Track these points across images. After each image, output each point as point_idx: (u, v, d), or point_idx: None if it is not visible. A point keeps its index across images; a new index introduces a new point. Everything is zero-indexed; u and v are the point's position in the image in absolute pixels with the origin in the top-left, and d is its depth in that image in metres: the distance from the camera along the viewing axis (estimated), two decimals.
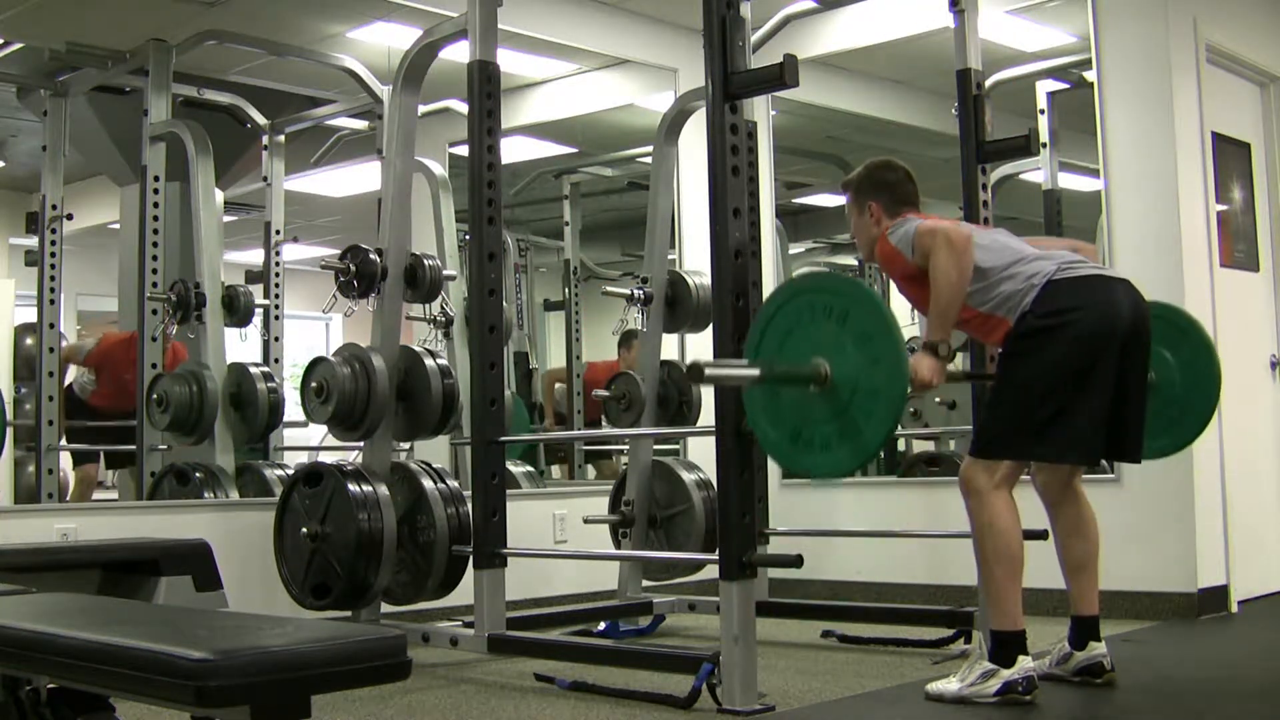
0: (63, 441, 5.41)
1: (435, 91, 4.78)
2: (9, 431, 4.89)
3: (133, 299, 5.34)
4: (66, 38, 5.32)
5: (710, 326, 3.66)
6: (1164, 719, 3.24)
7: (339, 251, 4.33)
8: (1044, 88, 5.56)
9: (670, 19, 6.04)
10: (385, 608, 4.35)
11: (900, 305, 4.07)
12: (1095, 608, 3.50)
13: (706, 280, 4.30)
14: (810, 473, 3.07)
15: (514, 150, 6.45)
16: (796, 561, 3.28)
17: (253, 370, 5.16)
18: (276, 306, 5.87)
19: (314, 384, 4.22)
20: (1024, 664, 3.24)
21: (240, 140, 6.03)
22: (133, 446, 5.21)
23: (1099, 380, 3.25)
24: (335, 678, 1.87)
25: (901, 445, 6.54)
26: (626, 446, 5.32)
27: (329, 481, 4.12)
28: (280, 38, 5.75)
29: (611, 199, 7.40)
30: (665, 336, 4.90)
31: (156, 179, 5.19)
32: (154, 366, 5.12)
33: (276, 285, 5.91)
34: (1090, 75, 5.11)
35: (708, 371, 3.02)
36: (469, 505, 4.13)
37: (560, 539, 5.43)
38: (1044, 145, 5.48)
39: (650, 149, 4.97)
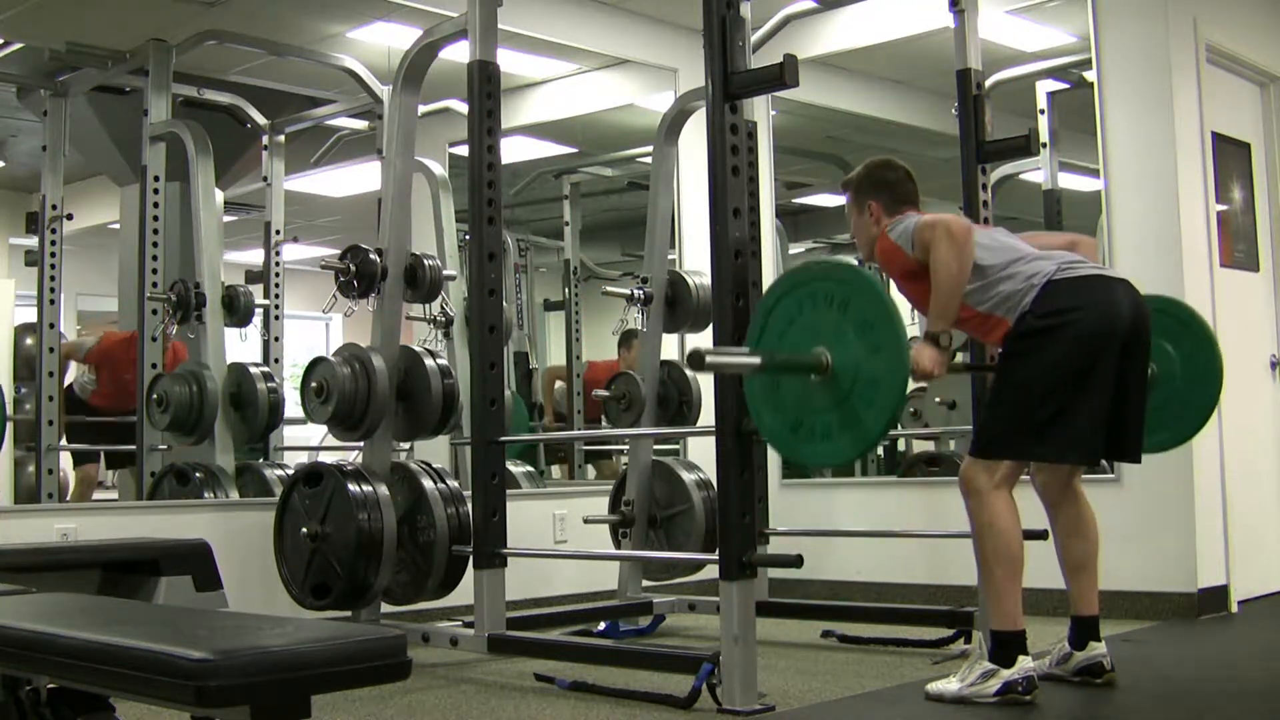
0: (63, 441, 5.41)
1: (435, 91, 4.78)
2: (9, 431, 4.91)
3: (133, 299, 5.34)
4: (66, 38, 5.32)
5: (710, 326, 3.66)
6: (1164, 719, 3.24)
7: (339, 251, 4.33)
8: (1044, 88, 5.55)
9: (670, 19, 6.04)
10: (385, 608, 4.35)
11: (900, 305, 4.06)
12: (1095, 608, 3.50)
13: (706, 280, 4.30)
14: (810, 461, 3.08)
15: (514, 150, 6.45)
16: (796, 561, 3.28)
17: (253, 370, 5.16)
18: (276, 306, 5.87)
19: (314, 384, 4.22)
20: (1024, 664, 3.24)
21: (240, 140, 6.03)
22: (133, 446, 5.21)
23: (1099, 380, 3.24)
24: (335, 678, 1.87)
25: (901, 445, 6.55)
26: (626, 446, 5.32)
27: (329, 481, 4.12)
28: (280, 38, 5.75)
29: (611, 199, 7.40)
30: (665, 336, 4.90)
31: (156, 179, 5.20)
32: (154, 366, 5.12)
33: (276, 285, 5.91)
34: (1090, 75, 5.11)
35: (709, 359, 3.01)
36: (469, 505, 4.13)
37: (560, 539, 5.43)
38: (1044, 145, 5.48)
39: (650, 149, 4.98)
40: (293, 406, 5.04)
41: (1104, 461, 4.51)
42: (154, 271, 5.15)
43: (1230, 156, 5.43)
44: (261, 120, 5.97)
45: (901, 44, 5.75)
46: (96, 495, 5.84)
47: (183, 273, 5.21)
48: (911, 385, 5.81)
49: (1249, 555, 5.05)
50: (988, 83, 4.22)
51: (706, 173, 3.37)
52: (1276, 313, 5.62)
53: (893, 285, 3.69)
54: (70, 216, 5.35)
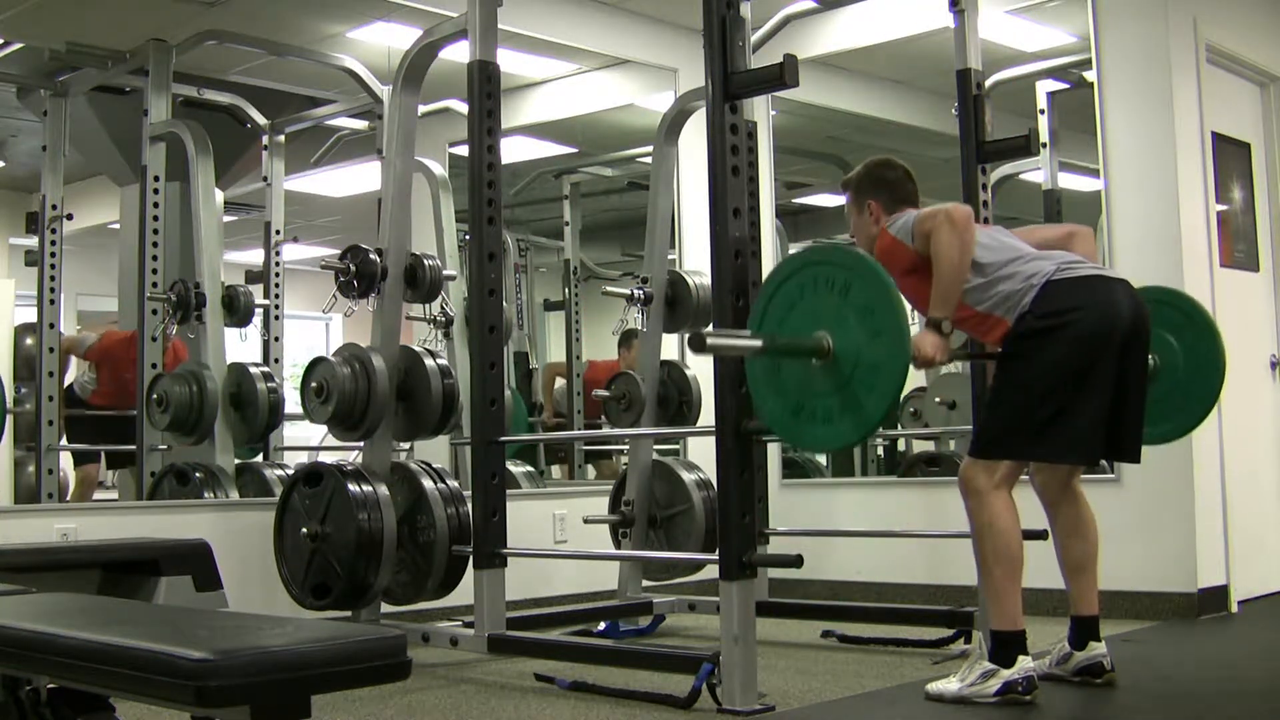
0: (63, 441, 5.41)
1: (435, 91, 4.78)
2: (9, 431, 4.91)
3: (133, 299, 5.34)
4: (66, 38, 5.31)
5: (710, 326, 3.66)
6: (1164, 719, 3.24)
7: (339, 251, 4.33)
8: (1044, 88, 5.55)
9: (670, 19, 6.04)
10: (385, 608, 4.35)
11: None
12: (1095, 608, 3.50)
13: (706, 280, 4.30)
14: (811, 445, 3.07)
15: (514, 150, 6.45)
16: (796, 561, 3.28)
17: (253, 370, 5.16)
18: (276, 306, 5.87)
19: (314, 384, 4.22)
20: (1024, 664, 3.24)
21: (240, 140, 6.03)
22: (133, 446, 5.21)
23: (1098, 381, 3.25)
24: (335, 678, 1.87)
25: (901, 445, 6.55)
26: (626, 446, 5.32)
27: (329, 481, 4.12)
28: (280, 38, 5.75)
29: (611, 199, 7.40)
30: (665, 336, 4.90)
31: (156, 179, 5.19)
32: (154, 366, 5.11)
33: (276, 285, 5.91)
34: (1090, 75, 5.11)
35: (710, 341, 3.00)
36: (469, 505, 4.13)
37: (560, 539, 5.43)
38: (1044, 145, 5.48)
39: (650, 149, 4.98)
40: (293, 406, 5.04)
41: (1104, 461, 4.51)
42: (154, 271, 5.15)
43: (1230, 156, 5.43)
44: (261, 120, 5.97)
45: (901, 44, 5.75)
46: (96, 495, 5.83)
47: (183, 273, 5.21)
48: (915, 378, 5.87)
49: (1249, 555, 5.05)
50: (988, 83, 4.22)
51: (706, 173, 3.37)
52: (1276, 313, 5.62)
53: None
54: (70, 216, 5.34)
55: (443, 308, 5.05)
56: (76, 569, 3.91)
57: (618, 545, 4.89)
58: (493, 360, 4.05)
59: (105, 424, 5.75)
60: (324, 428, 4.47)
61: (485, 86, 4.05)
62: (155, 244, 5.16)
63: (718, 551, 3.33)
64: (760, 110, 5.88)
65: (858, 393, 2.93)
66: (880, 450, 6.69)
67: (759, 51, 4.71)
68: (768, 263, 5.66)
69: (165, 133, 5.22)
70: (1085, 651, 3.48)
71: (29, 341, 5.41)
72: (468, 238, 4.26)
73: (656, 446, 5.08)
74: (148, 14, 5.39)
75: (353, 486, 4.06)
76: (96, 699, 2.29)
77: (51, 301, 5.27)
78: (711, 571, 3.74)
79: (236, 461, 5.20)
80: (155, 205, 5.17)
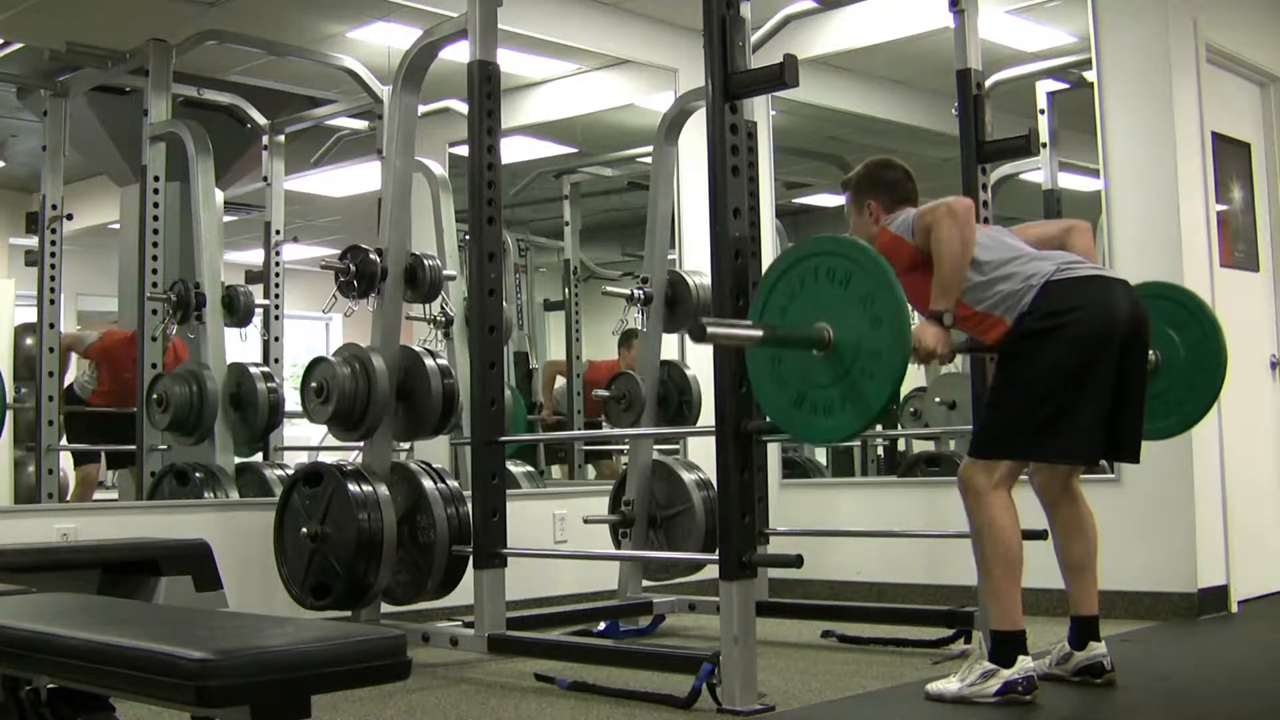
0: (63, 441, 5.41)
1: (435, 91, 4.78)
2: (9, 432, 4.91)
3: (133, 299, 5.34)
4: (66, 38, 5.31)
5: None
6: (1164, 719, 3.24)
7: (339, 251, 4.34)
8: (1044, 88, 5.55)
9: (670, 19, 6.04)
10: (385, 608, 4.35)
11: None
12: (1095, 608, 3.50)
13: (706, 280, 4.30)
14: (813, 437, 3.05)
15: (514, 150, 6.44)
16: (796, 561, 3.28)
17: (253, 370, 5.16)
18: (276, 306, 5.87)
19: (314, 384, 4.23)
20: (1024, 664, 3.24)
21: (240, 140, 6.03)
22: (133, 446, 5.21)
23: (1098, 381, 3.25)
24: (335, 678, 1.87)
25: (901, 445, 6.55)
26: (626, 446, 5.32)
27: (329, 481, 4.12)
28: (280, 38, 5.75)
29: (611, 199, 7.40)
30: (665, 336, 4.90)
31: (156, 179, 5.19)
32: (154, 366, 5.11)
33: (276, 285, 5.91)
34: (1090, 75, 5.11)
35: (710, 330, 2.99)
36: (469, 505, 4.14)
37: (560, 539, 5.43)
38: (1044, 145, 5.48)
39: (650, 149, 4.98)
40: (293, 406, 5.04)
41: (1104, 461, 4.52)
42: (154, 271, 5.15)
43: (1230, 156, 5.43)
44: (261, 120, 5.97)
45: (901, 44, 5.75)
46: (96, 495, 5.84)
47: (183, 273, 5.21)
48: (916, 378, 5.86)
49: (1249, 555, 5.05)
50: (988, 83, 4.22)
51: (706, 173, 3.37)
52: (1276, 313, 5.62)
53: None
54: (70, 216, 5.35)
55: (443, 308, 5.05)
56: (76, 569, 3.91)
57: (618, 545, 4.89)
58: (493, 360, 4.05)
59: (105, 424, 5.75)
60: (324, 428, 4.47)
61: (485, 86, 4.05)
62: (155, 244, 5.16)
63: (718, 551, 3.33)
64: (760, 110, 5.88)
65: (859, 382, 2.92)
66: (880, 450, 6.69)
67: (759, 51, 4.70)
68: (767, 263, 5.67)
69: (165, 133, 5.22)
70: (1085, 651, 3.48)
71: (29, 341, 5.42)
72: (468, 238, 4.26)
73: (656, 446, 5.08)
74: (148, 14, 5.39)
75: (353, 486, 4.06)
76: (96, 699, 2.29)
77: (51, 301, 5.27)
78: (711, 571, 3.74)
79: (237, 461, 5.20)
80: (155, 205, 5.17)
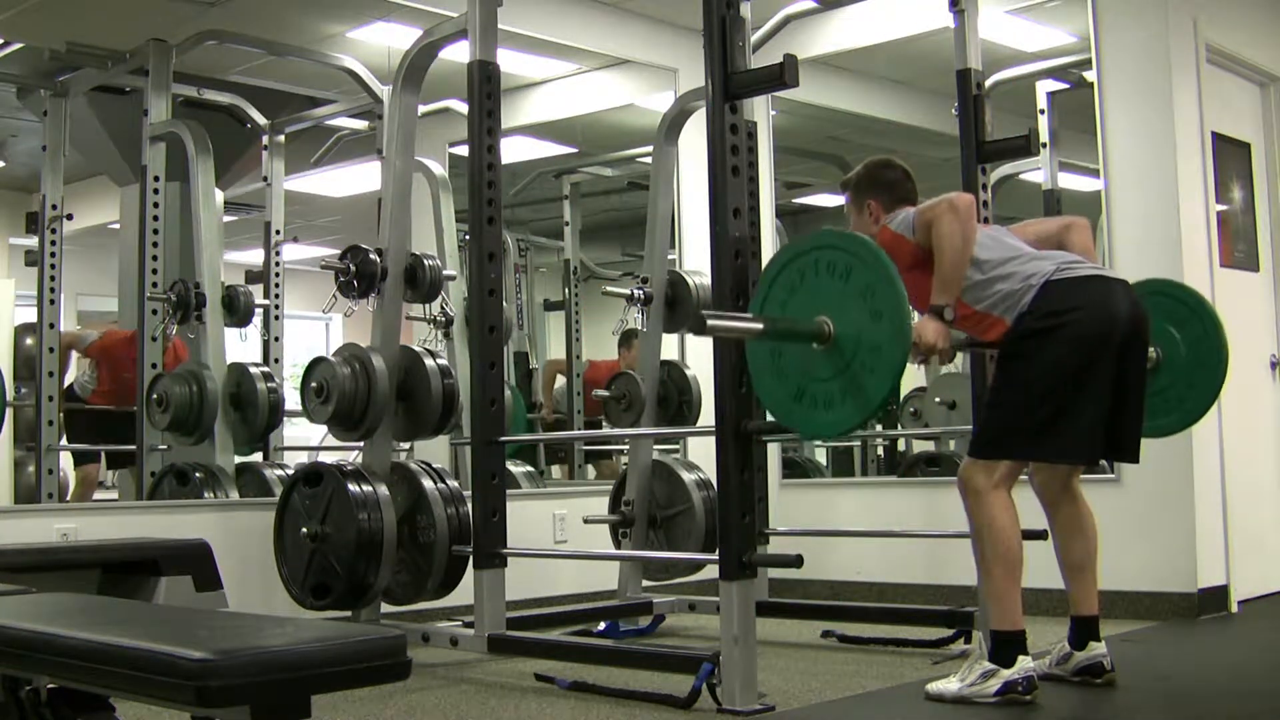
0: (63, 441, 5.41)
1: (435, 91, 4.78)
2: (9, 431, 4.91)
3: (133, 299, 5.34)
4: (66, 38, 5.31)
5: None
6: (1164, 719, 3.24)
7: (339, 251, 4.34)
8: (1044, 88, 5.55)
9: (670, 19, 6.04)
10: (385, 608, 4.35)
11: None
12: (1095, 608, 3.50)
13: (706, 280, 4.30)
14: (813, 431, 3.04)
15: (514, 150, 6.44)
16: (796, 561, 3.28)
17: (253, 370, 5.16)
18: (276, 306, 5.87)
19: (314, 384, 4.23)
20: (1024, 664, 3.24)
21: (240, 140, 6.03)
22: (133, 446, 5.21)
23: (1097, 381, 3.25)
24: (335, 678, 1.87)
25: (901, 445, 6.55)
26: (626, 446, 5.32)
27: (329, 481, 4.12)
28: (280, 38, 5.75)
29: (611, 199, 7.40)
30: (665, 336, 4.90)
31: (156, 179, 5.19)
32: (154, 366, 5.11)
33: (276, 285, 5.91)
34: (1090, 75, 5.11)
35: (710, 322, 2.99)
36: (469, 505, 4.14)
37: (560, 539, 5.43)
38: (1044, 145, 5.48)
39: (650, 149, 4.98)
40: (293, 406, 5.04)
41: (1103, 461, 4.51)
42: (154, 271, 5.15)
43: (1230, 156, 5.43)
44: (261, 120, 5.97)
45: (901, 44, 5.75)
46: (96, 495, 5.84)
47: (183, 273, 5.21)
48: (915, 377, 5.86)
49: (1249, 555, 5.05)
50: (988, 83, 4.22)
51: (706, 173, 3.37)
52: (1276, 313, 5.62)
53: None
54: (70, 216, 5.35)
55: (443, 308, 5.05)
56: (76, 569, 3.91)
57: (618, 545, 4.89)
58: (493, 360, 4.05)
59: (105, 423, 5.75)
60: (324, 428, 4.47)
61: (485, 86, 4.05)
62: (155, 244, 5.16)
63: (718, 551, 3.33)
64: (760, 110, 5.88)
65: (859, 375, 2.92)
66: (880, 450, 6.69)
67: (759, 51, 4.70)
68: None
69: (165, 133, 5.22)
70: (1085, 651, 3.48)
71: (29, 341, 5.42)
72: (468, 238, 4.26)
73: (656, 446, 5.08)
74: (148, 14, 5.39)
75: (353, 486, 4.06)
76: (96, 699, 2.29)
77: (51, 301, 5.27)
78: (711, 571, 3.74)
79: (237, 461, 5.20)
80: (155, 205, 5.17)
